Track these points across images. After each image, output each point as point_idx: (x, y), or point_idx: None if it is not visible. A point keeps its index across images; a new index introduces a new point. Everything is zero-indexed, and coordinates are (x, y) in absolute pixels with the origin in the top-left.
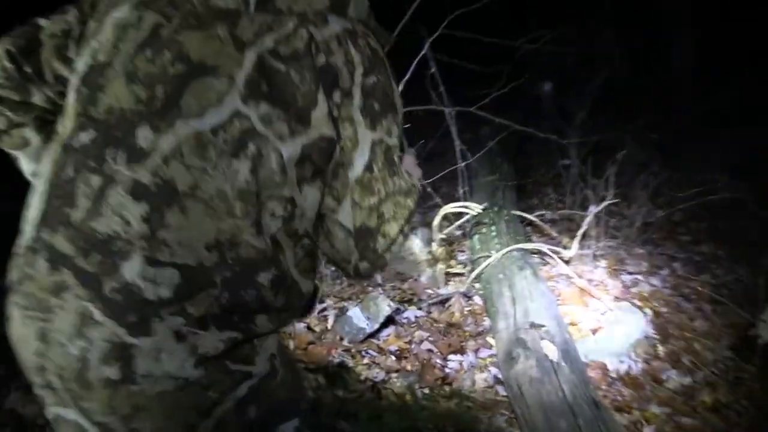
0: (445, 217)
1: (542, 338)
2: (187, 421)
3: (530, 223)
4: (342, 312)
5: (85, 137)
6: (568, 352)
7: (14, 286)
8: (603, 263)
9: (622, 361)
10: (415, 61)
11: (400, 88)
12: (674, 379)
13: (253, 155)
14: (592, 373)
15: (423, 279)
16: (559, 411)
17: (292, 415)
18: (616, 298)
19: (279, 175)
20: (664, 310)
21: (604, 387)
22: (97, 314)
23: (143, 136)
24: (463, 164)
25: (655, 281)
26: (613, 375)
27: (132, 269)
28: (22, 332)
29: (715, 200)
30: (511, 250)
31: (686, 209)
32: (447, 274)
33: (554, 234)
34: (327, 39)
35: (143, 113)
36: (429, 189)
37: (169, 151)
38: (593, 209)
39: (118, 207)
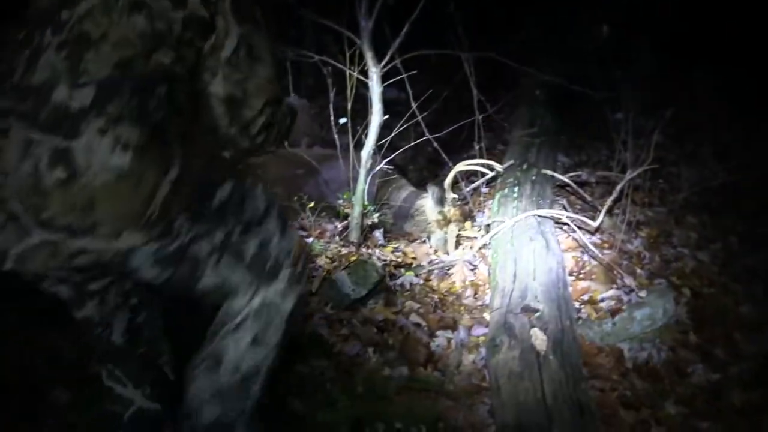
0: (470, 175)
1: (532, 325)
2: (133, 208)
3: (565, 185)
4: (330, 274)
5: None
6: (561, 343)
7: None
8: (645, 232)
9: (643, 349)
10: None
11: (405, 28)
12: (701, 373)
13: (146, 14)
14: (603, 361)
15: (432, 241)
16: (533, 414)
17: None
18: (652, 274)
19: (167, 30)
20: (706, 291)
21: (614, 378)
22: (36, 135)
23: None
24: (480, 116)
25: (702, 256)
26: (629, 364)
27: (59, 94)
28: None
29: None
30: (525, 216)
31: (758, 174)
32: (459, 237)
33: (588, 198)
34: None
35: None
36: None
37: (84, 13)
38: (629, 174)
39: (46, 61)
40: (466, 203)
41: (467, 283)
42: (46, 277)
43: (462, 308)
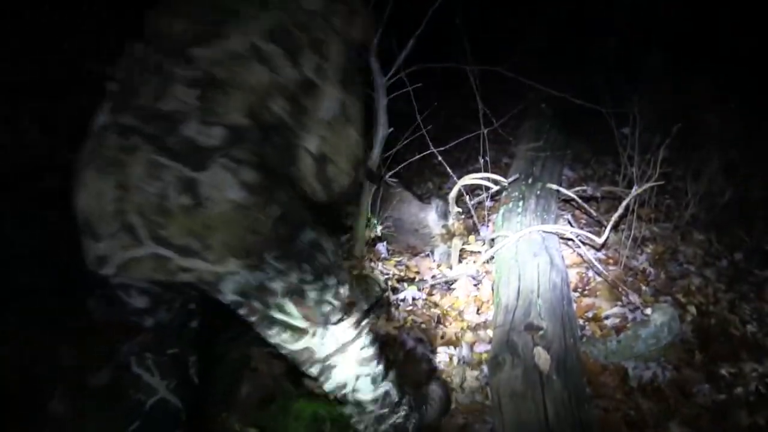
0: (475, 188)
1: (535, 344)
2: (240, 239)
3: (570, 200)
4: None
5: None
6: (565, 362)
7: (86, 159)
8: (650, 249)
9: (648, 368)
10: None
11: (411, 42)
12: (706, 393)
13: (270, 68)
14: (607, 380)
15: (435, 255)
16: None
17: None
18: (657, 291)
19: (284, 85)
20: (712, 309)
21: (618, 397)
22: (164, 160)
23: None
24: (485, 130)
25: (709, 273)
26: (633, 383)
27: (189, 128)
28: (98, 187)
29: None
30: (530, 232)
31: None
32: (462, 251)
33: (593, 213)
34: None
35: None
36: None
37: (216, 56)
38: (635, 190)
39: (177, 93)
40: (470, 217)
41: (470, 298)
42: (132, 287)
43: (465, 324)
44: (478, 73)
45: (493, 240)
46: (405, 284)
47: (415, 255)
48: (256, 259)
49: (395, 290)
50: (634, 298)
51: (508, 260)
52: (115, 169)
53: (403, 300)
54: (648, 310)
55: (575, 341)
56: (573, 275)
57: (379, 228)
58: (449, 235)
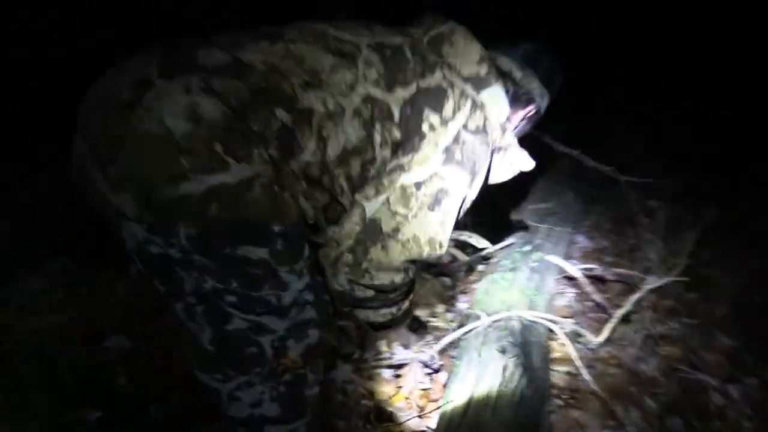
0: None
1: None
2: (154, 178)
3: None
4: None
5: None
6: None
7: None
8: (665, 350)
9: None
10: None
11: None
12: None
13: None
14: None
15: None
16: None
17: (254, 241)
18: (665, 409)
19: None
20: None
21: None
22: None
23: None
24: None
25: (733, 391)
26: None
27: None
28: None
29: None
30: (507, 317)
31: None
32: (427, 326)
33: (598, 299)
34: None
35: None
36: None
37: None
38: (649, 284)
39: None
40: (454, 281)
41: (416, 393)
42: None
43: (400, 427)
44: None
45: (467, 317)
46: (339, 360)
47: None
48: (157, 215)
49: (326, 368)
50: (634, 415)
51: (471, 352)
52: None
53: (331, 381)
54: None
55: None
56: (559, 377)
57: None
58: (412, 304)
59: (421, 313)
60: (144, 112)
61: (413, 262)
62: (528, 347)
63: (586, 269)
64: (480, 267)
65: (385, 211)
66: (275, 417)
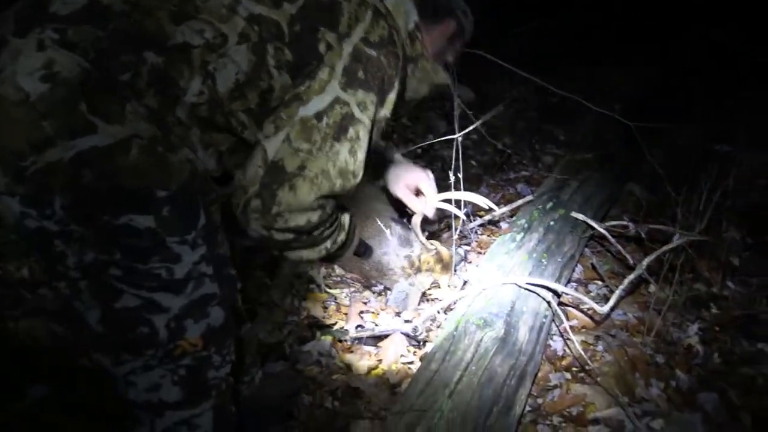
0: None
1: None
2: (18, 146)
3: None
4: None
5: None
6: None
7: None
8: (711, 314)
9: None
10: None
11: None
12: None
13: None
14: None
15: (392, 293)
16: None
17: (136, 209)
18: (700, 382)
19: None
20: None
21: None
22: None
23: None
24: (459, 136)
25: None
26: None
27: None
28: None
29: None
30: (503, 284)
31: None
32: (427, 295)
33: (630, 261)
34: None
35: None
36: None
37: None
38: (678, 239)
39: None
40: (466, 243)
41: (397, 367)
42: None
43: (368, 405)
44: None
45: (465, 285)
46: (318, 332)
47: (366, 289)
48: (28, 186)
49: (302, 340)
50: (654, 392)
51: (452, 324)
52: None
53: (306, 354)
54: (657, 422)
55: None
56: (576, 344)
57: None
58: (413, 270)
59: (423, 281)
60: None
61: (328, 197)
62: (515, 318)
63: (615, 225)
64: (505, 224)
65: (286, 149)
66: (176, 401)
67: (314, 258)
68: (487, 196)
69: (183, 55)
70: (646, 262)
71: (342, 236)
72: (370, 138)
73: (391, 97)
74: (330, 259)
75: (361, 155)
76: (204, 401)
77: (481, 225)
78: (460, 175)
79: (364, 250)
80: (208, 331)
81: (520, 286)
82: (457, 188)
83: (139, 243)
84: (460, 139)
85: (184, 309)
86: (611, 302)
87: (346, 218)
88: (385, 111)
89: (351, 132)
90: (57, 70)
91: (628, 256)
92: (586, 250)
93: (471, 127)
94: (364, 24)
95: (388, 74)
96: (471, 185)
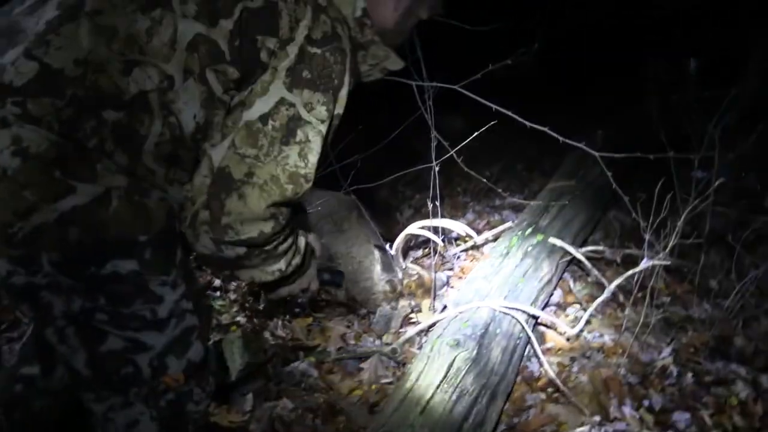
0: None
1: None
2: (4, 218)
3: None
4: None
5: None
6: None
7: None
8: (686, 337)
9: None
10: None
11: None
12: None
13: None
14: None
15: (375, 319)
16: None
17: (119, 255)
18: (672, 404)
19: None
20: None
21: None
22: None
23: None
24: (436, 164)
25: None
26: None
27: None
28: None
29: None
30: (477, 307)
31: None
32: (408, 319)
33: (606, 284)
34: None
35: None
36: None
37: None
38: (645, 262)
39: None
40: (449, 269)
41: (376, 387)
42: None
43: (348, 424)
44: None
45: (444, 308)
46: (301, 354)
47: (350, 312)
48: (17, 250)
49: (286, 361)
50: (627, 412)
51: (428, 345)
52: None
53: (288, 375)
54: None
55: None
56: (552, 366)
57: None
58: (395, 295)
59: (405, 305)
60: None
61: (280, 205)
62: (488, 340)
63: (590, 251)
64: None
65: (232, 156)
66: None
67: (267, 280)
68: (472, 222)
69: (141, 104)
70: (613, 285)
71: (297, 260)
72: (324, 139)
73: (343, 93)
74: (285, 284)
75: (312, 158)
76: None
77: (464, 251)
78: (438, 203)
79: (330, 279)
80: (189, 366)
81: (494, 309)
82: (435, 215)
83: (124, 288)
84: (437, 168)
85: (168, 346)
86: (581, 324)
87: (302, 242)
88: (339, 107)
89: (300, 134)
90: (26, 145)
91: (604, 281)
92: (566, 274)
93: (444, 157)
94: (306, 21)
95: (335, 71)
96: (456, 212)
